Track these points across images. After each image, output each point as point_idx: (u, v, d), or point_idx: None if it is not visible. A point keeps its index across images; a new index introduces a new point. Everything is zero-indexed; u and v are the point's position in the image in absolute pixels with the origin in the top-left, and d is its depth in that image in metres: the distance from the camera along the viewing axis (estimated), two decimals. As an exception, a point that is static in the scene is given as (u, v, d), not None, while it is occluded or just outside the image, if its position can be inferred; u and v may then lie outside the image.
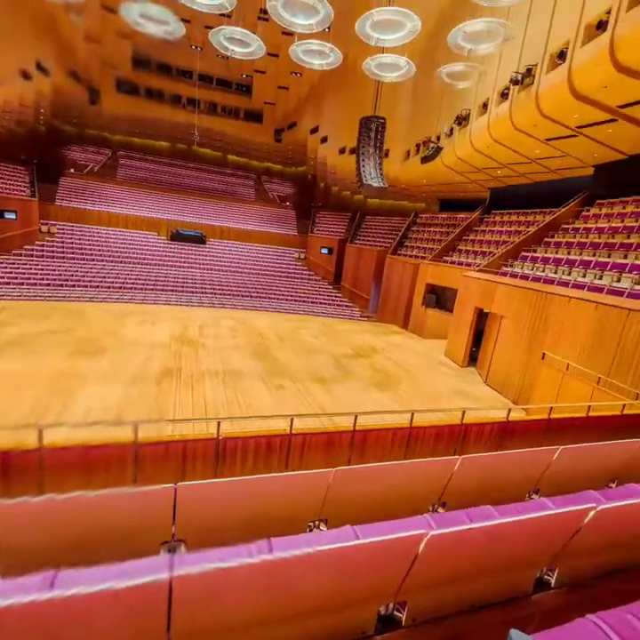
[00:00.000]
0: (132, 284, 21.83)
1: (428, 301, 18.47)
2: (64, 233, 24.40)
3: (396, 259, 22.18)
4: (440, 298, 18.29)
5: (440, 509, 3.23)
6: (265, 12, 17.69)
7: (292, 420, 4.32)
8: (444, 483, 3.14)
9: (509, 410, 5.39)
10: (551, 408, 5.54)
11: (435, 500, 3.25)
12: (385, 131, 16.73)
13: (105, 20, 24.30)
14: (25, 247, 22.02)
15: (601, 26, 8.70)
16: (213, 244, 28.55)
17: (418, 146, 19.14)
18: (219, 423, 4.10)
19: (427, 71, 15.44)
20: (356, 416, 4.49)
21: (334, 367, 11.87)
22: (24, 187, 24.08)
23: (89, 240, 24.73)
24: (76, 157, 31.02)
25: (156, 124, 32.51)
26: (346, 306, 25.08)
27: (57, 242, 23.47)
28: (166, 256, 25.83)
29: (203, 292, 22.97)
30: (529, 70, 11.18)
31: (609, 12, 8.49)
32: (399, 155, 21.00)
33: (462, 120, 15.16)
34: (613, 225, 11.87)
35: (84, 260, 23.01)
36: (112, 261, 23.71)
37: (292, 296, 24.78)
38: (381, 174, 16.89)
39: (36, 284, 19.52)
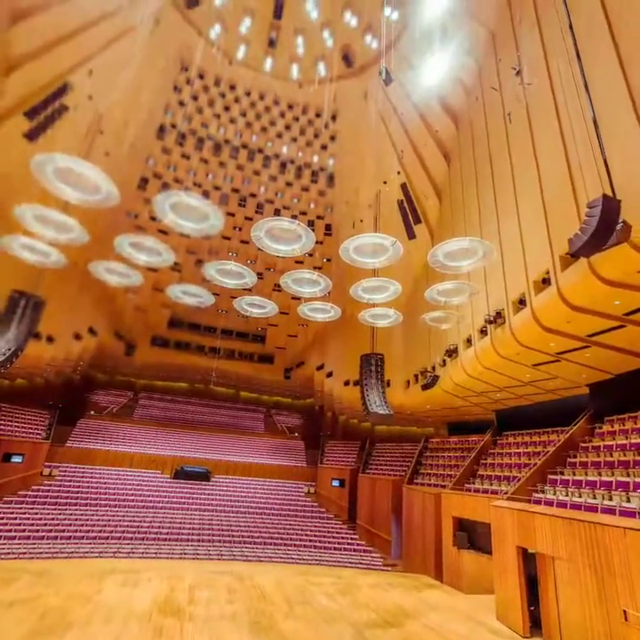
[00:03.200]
0: (122, 533, 19.41)
1: (459, 541, 15.82)
2: (65, 475, 23.55)
3: (413, 489, 20.40)
4: (473, 535, 15.76)
5: None
6: (278, 285, 22.50)
7: None
8: None
9: None
10: None
11: None
12: (384, 364, 18.52)
13: (152, 296, 30.91)
14: (18, 493, 20.81)
15: (546, 281, 10.92)
16: (218, 481, 26.98)
17: (416, 376, 20.74)
18: None
19: (413, 317, 18.42)
20: None
21: (357, 644, 9.07)
22: (40, 429, 24.86)
23: (88, 482, 23.60)
24: (99, 400, 33.34)
25: (180, 369, 36.46)
26: (364, 551, 21.39)
27: (54, 486, 22.35)
28: (166, 498, 23.99)
29: (199, 540, 20.10)
30: (499, 313, 13.31)
31: (548, 272, 10.82)
32: (400, 384, 22.50)
33: (452, 353, 16.99)
34: (633, 441, 11.47)
35: (76, 506, 21.30)
36: (106, 506, 21.87)
37: (301, 540, 21.51)
38: (385, 402, 17.65)
39: (14, 538, 17.40)
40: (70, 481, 23.14)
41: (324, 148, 31.48)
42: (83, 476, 23.92)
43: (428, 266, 13.29)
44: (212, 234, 13.17)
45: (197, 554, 18.57)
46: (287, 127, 31.01)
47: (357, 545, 21.95)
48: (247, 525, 22.33)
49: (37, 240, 13.13)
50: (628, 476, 9.97)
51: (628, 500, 9.02)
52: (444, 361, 17.64)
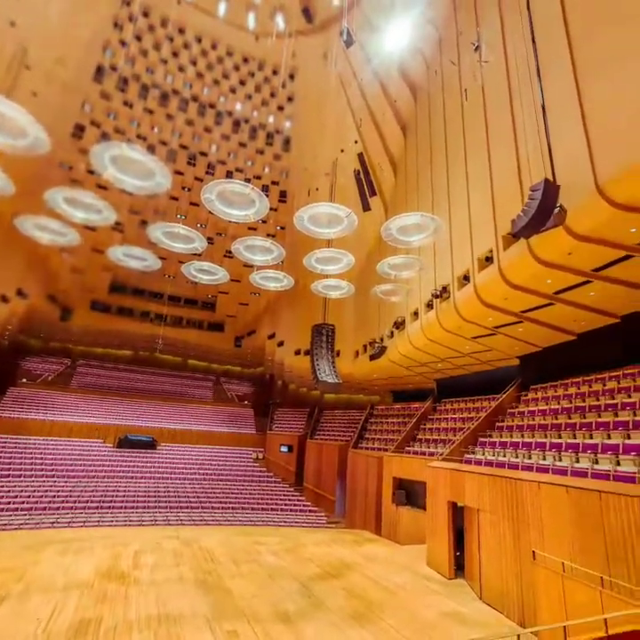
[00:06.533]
0: (61, 503, 18.77)
1: (398, 498, 17.10)
2: (-6, 446, 22.04)
3: (358, 452, 21.51)
4: (410, 493, 17.08)
5: None
6: (230, 251, 21.79)
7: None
8: None
9: (518, 637, 4.38)
10: (565, 629, 4.59)
11: None
12: (335, 335, 18.86)
13: (91, 257, 28.68)
14: (-60, 466, 19.25)
15: (489, 259, 11.51)
16: (164, 449, 26.66)
17: (365, 346, 21.40)
18: None
19: (365, 288, 18.75)
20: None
21: (301, 595, 9.68)
22: (-36, 399, 22.86)
23: (22, 453, 22.31)
24: (31, 367, 31.07)
25: (123, 336, 34.70)
26: (310, 511, 22.47)
27: (-18, 457, 20.90)
28: (109, 467, 23.36)
29: (145, 508, 19.97)
30: (445, 288, 13.92)
31: (491, 251, 11.40)
32: (349, 354, 23.14)
33: (399, 325, 17.65)
34: (552, 407, 12.80)
35: (8, 477, 20.14)
36: (43, 477, 20.91)
37: (249, 503, 22.11)
38: (335, 371, 18.12)
39: (-64, 513, 16.23)
40: (1, 452, 21.73)
41: (280, 108, 30.07)
42: (16, 447, 22.54)
43: (381, 239, 13.46)
44: (158, 193, 12.31)
45: (143, 521, 18.47)
46: (242, 82, 29.12)
47: (303, 506, 22.98)
48: (194, 492, 22.47)
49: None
50: (546, 437, 11.19)
51: (544, 459, 10.16)
52: (392, 332, 18.31)
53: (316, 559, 13.06)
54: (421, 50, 18.16)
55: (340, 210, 12.26)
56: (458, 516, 12.00)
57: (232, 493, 22.98)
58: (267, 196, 14.16)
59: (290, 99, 29.60)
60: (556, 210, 7.40)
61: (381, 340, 19.45)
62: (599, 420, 10.30)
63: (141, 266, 17.20)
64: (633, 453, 8.28)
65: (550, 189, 7.24)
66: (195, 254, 17.86)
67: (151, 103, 27.70)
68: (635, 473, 7.71)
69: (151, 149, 27.92)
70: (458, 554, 11.71)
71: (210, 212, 12.53)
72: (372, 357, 19.28)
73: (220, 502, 21.66)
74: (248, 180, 28.72)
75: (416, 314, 16.35)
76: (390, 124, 20.60)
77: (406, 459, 17.27)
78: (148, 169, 10.98)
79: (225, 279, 17.65)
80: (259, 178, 31.55)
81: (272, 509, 21.96)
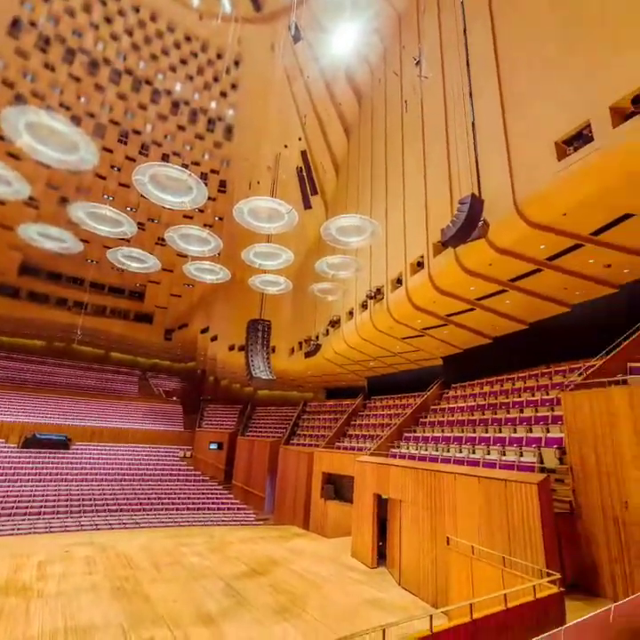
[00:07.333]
0: (-51, 511, 16.47)
1: (326, 493, 17.47)
2: None
3: (289, 449, 21.60)
4: (339, 488, 17.54)
5: None
6: (163, 239, 20.65)
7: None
8: None
9: (431, 617, 4.72)
10: (471, 606, 5.03)
11: None
12: (271, 331, 18.72)
13: (-2, 235, 25.42)
14: None
15: (420, 265, 12.17)
16: (80, 449, 24.53)
17: (300, 343, 21.54)
18: None
19: (302, 286, 18.85)
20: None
21: (225, 595, 9.50)
22: None
23: None
24: None
25: (35, 324, 31.27)
26: (238, 509, 22.13)
27: None
28: (11, 469, 20.93)
29: (54, 513, 18.24)
30: (379, 289, 14.47)
31: (423, 257, 12.07)
32: (285, 351, 23.13)
33: (335, 323, 18.02)
34: (469, 404, 13.94)
35: None
36: None
37: (174, 503, 21.17)
38: (269, 368, 18.00)
39: None
40: None
41: (223, 94, 29.05)
42: None
43: (320, 238, 13.61)
44: (82, 169, 11.25)
45: (51, 527, 16.85)
46: (183, 61, 27.65)
47: (231, 503, 22.55)
48: (113, 494, 20.99)
49: None
50: (463, 431, 12.15)
51: (461, 451, 11.03)
52: (328, 331, 18.64)
53: (242, 557, 12.90)
54: (367, 57, 18.64)
55: (282, 205, 12.18)
56: (382, 507, 12.58)
57: (156, 494, 21.83)
58: (205, 184, 13.61)
59: (234, 86, 28.73)
60: (480, 223, 8.04)
61: (317, 337, 19.70)
62: (508, 416, 11.42)
63: (59, 248, 15.60)
64: (534, 445, 9.30)
65: (476, 203, 7.84)
66: (123, 239, 16.65)
67: (78, 70, 25.24)
68: (534, 463, 8.67)
69: (76, 121, 25.44)
70: (380, 544, 12.28)
71: (142, 195, 11.72)
72: (308, 355, 19.46)
73: (142, 504, 20.48)
74: (186, 166, 27.38)
75: (351, 313, 16.80)
76: (334, 125, 20.90)
77: (336, 454, 17.71)
78: (72, 142, 9.99)
79: (156, 268, 16.63)
80: (197, 164, 30.23)
81: (199, 509, 21.26)
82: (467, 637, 4.89)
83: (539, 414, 10.43)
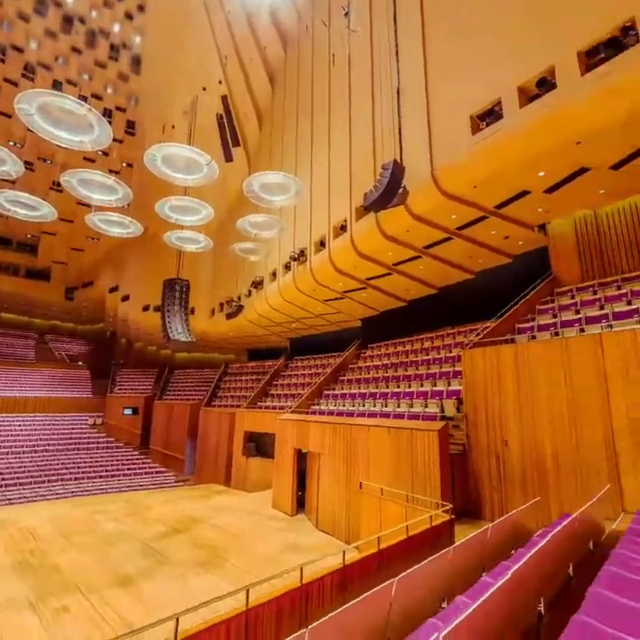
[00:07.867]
0: None
1: (248, 450, 17.88)
2: None
3: (210, 410, 21.44)
4: (260, 445, 18.04)
5: None
6: (59, 183, 18.05)
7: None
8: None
9: (344, 552, 5.24)
10: (379, 538, 5.68)
11: None
12: (189, 291, 17.80)
13: None
14: None
15: (343, 228, 12.32)
16: (-36, 421, 21.65)
17: (222, 304, 20.90)
18: None
19: (224, 244, 18.03)
20: (177, 619, 3.48)
21: (143, 556, 9.46)
22: None
23: None
24: None
25: None
26: (157, 472, 21.69)
27: None
28: None
29: (-64, 492, 16.15)
30: (302, 251, 14.43)
31: (346, 220, 12.21)
32: (205, 312, 22.30)
33: (257, 285, 17.71)
34: (383, 362, 14.99)
35: None
36: None
37: (84, 472, 20.01)
38: (188, 329, 17.28)
39: None
40: None
41: (129, 17, 25.19)
42: None
43: (242, 194, 12.97)
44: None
45: None
46: (75, -33, 23.16)
47: (149, 468, 22.00)
48: (9, 467, 19.12)
49: None
50: (377, 387, 13.11)
51: (374, 406, 11.94)
52: (250, 292, 18.29)
53: (162, 518, 12.83)
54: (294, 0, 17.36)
55: (201, 156, 11.24)
56: (302, 461, 13.28)
57: (63, 464, 20.37)
58: (109, 122, 11.96)
59: (141, 7, 25.00)
60: (400, 190, 8.31)
61: (239, 298, 19.25)
62: (417, 372, 12.53)
63: None
64: (437, 397, 10.41)
65: (397, 170, 8.04)
66: (6, 180, 14.21)
67: None
68: (437, 413, 9.74)
69: None
70: (300, 493, 13.08)
71: (29, 129, 9.94)
72: (229, 316, 19.02)
73: (47, 476, 19.02)
74: (84, 98, 23.70)
75: (274, 274, 16.62)
76: (258, 70, 19.48)
77: (258, 413, 18.03)
78: None
79: (51, 217, 14.50)
80: (100, 98, 26.35)
81: (112, 476, 20.40)
82: (375, 565, 5.54)
83: (443, 370, 11.61)
